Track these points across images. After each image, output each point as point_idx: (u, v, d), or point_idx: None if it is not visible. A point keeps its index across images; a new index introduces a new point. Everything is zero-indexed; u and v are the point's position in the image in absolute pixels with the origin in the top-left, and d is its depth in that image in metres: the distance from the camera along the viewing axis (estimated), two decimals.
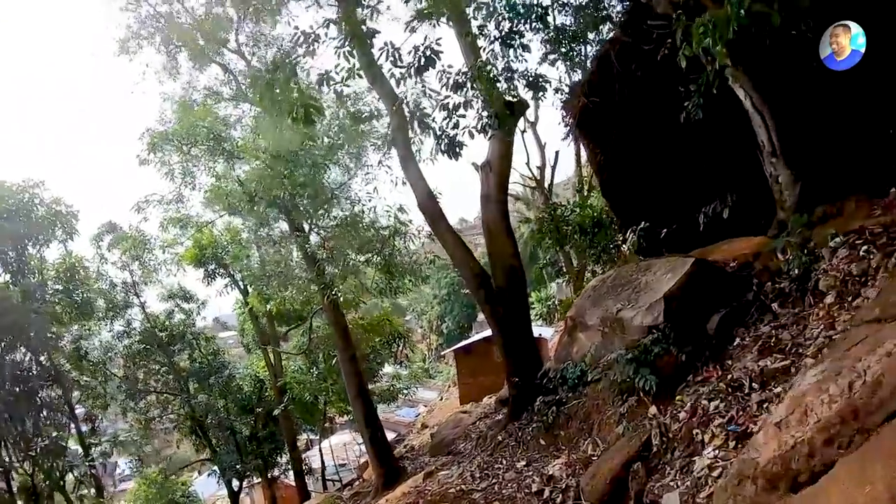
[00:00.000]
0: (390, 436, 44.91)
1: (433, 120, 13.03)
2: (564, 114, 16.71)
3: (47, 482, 22.65)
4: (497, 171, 15.20)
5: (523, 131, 28.98)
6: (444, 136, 12.85)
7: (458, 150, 13.03)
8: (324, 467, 33.90)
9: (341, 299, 20.04)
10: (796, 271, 9.51)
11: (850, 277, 8.53)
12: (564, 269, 21.68)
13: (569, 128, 17.76)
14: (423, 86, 12.65)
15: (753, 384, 8.12)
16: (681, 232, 12.47)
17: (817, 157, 10.74)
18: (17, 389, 21.65)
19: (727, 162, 12.19)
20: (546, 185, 29.56)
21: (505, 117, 13.35)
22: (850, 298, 8.34)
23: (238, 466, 30.10)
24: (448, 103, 12.39)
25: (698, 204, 12.31)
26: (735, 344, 9.47)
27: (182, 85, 21.72)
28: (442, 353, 52.61)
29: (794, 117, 10.87)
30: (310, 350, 26.66)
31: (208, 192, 20.46)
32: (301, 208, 19.70)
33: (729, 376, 8.64)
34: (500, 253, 15.31)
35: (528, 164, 30.19)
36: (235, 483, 32.00)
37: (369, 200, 20.66)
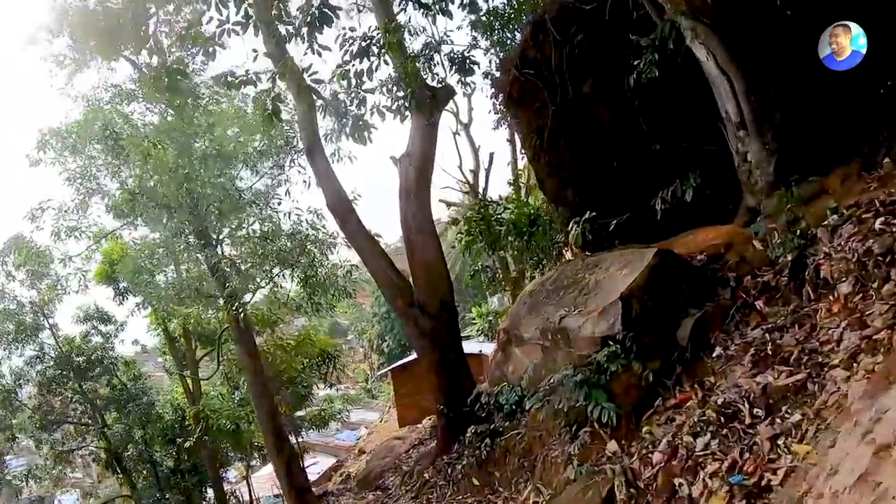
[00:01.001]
0: (329, 462, 42.51)
1: (336, 97, 10.58)
2: (494, 94, 14.39)
3: None
4: (418, 162, 12.68)
5: (456, 133, 26.84)
6: (348, 115, 10.41)
7: (366, 132, 10.62)
8: (252, 500, 31.00)
9: (246, 316, 17.43)
10: (788, 257, 7.16)
11: (871, 258, 6.14)
12: (500, 277, 18.92)
13: (500, 114, 15.49)
14: (318, 51, 10.21)
15: (755, 409, 5.63)
16: (634, 222, 9.98)
17: (793, 127, 8.42)
18: None
19: (686, 138, 9.77)
20: (481, 189, 27.29)
21: (423, 100, 10.96)
22: (875, 284, 5.97)
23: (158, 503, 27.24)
24: (349, 70, 9.93)
25: (654, 189, 9.85)
26: (716, 355, 7.02)
27: (92, 83, 19.12)
28: (379, 373, 49.92)
29: (765, 79, 8.55)
30: (229, 375, 23.86)
31: (109, 197, 18.30)
32: (207, 215, 17.18)
33: (715, 399, 6.16)
34: (423, 258, 12.71)
35: (460, 167, 27.78)
36: None
37: (279, 204, 18.31)
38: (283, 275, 18.45)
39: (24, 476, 25.31)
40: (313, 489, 30.56)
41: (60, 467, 28.05)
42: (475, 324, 32.71)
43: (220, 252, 17.72)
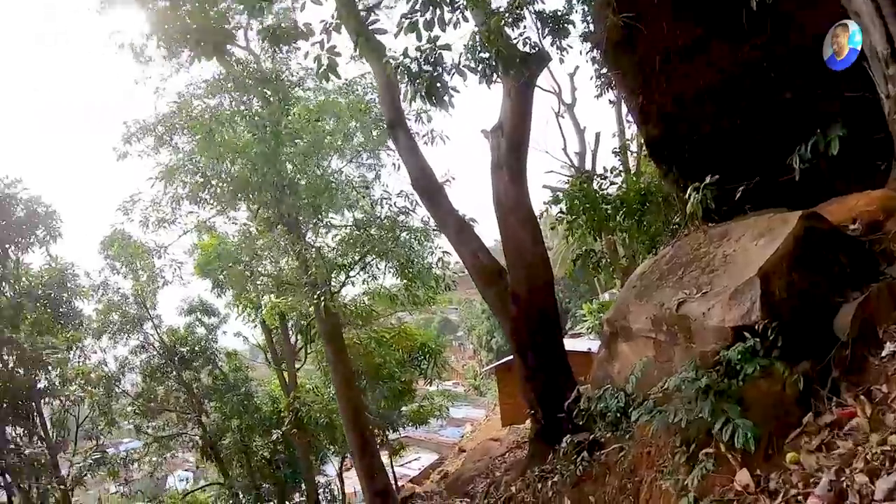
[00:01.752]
0: (431, 458, 41.48)
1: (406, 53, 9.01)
2: (591, 48, 12.50)
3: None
4: (510, 133, 11.10)
5: (559, 115, 24.82)
6: (422, 75, 8.81)
7: (444, 94, 9.02)
8: (344, 496, 30.11)
9: (331, 307, 16.18)
10: None
11: None
12: (609, 262, 16.64)
13: (601, 78, 13.58)
14: None
15: None
16: (765, 187, 7.81)
17: None
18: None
19: (822, 83, 7.64)
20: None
21: (510, 60, 9.23)
22: None
23: (250, 492, 27.00)
24: (416, 19, 8.36)
25: (787, 146, 7.75)
26: (887, 353, 5.01)
27: (184, 81, 18.67)
28: (485, 370, 48.32)
29: None
30: (325, 368, 22.82)
31: (190, 186, 17.22)
32: (295, 203, 16.28)
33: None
34: (517, 241, 11.01)
35: (565, 150, 25.69)
36: None
37: (366, 189, 17.08)
38: (378, 266, 17.14)
39: (122, 460, 24.97)
40: (408, 485, 29.54)
41: (161, 452, 28.20)
42: (585, 321, 30.58)
43: (309, 241, 16.66)
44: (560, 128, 25.04)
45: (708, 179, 7.90)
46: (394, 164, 17.44)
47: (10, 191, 18.31)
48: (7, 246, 18.51)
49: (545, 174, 26.24)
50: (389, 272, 17.68)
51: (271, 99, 16.70)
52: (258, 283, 18.80)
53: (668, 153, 9.10)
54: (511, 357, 25.64)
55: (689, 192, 8.03)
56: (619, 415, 7.51)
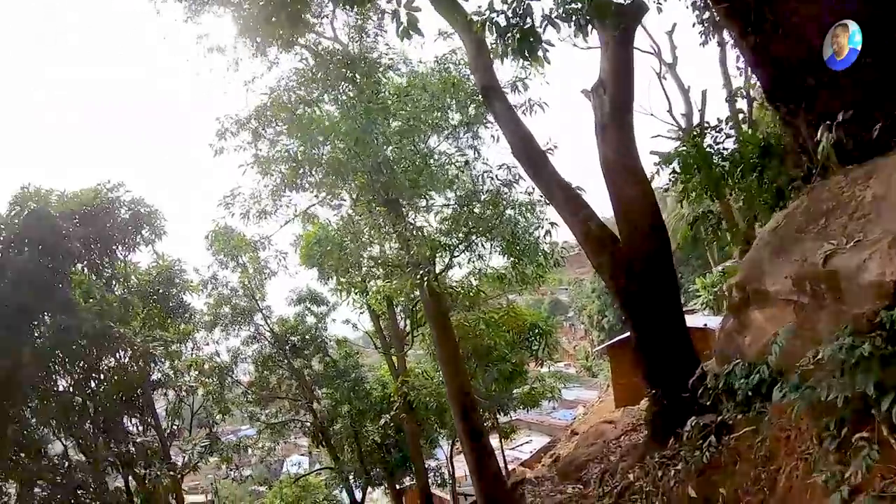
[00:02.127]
0: (542, 441, 40.64)
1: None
2: None
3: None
4: (612, 90, 10.13)
5: (661, 76, 23.40)
6: (511, 29, 7.99)
7: (536, 47, 8.20)
8: (454, 480, 29.55)
9: (435, 287, 15.59)
10: None
11: None
12: (726, 227, 15.02)
13: (703, 24, 12.40)
14: None
15: None
16: None
17: None
18: (116, 396, 19.08)
19: None
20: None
21: (604, 7, 8.29)
22: None
23: (360, 476, 27.37)
24: None
25: None
26: None
27: (271, 74, 18.99)
28: (597, 350, 47.02)
29: None
30: (434, 352, 22.27)
31: (289, 173, 16.87)
32: (394, 183, 15.69)
33: None
34: (627, 204, 10.02)
35: (670, 112, 24.16)
36: (359, 494, 29.03)
37: (465, 164, 16.68)
38: (483, 245, 16.42)
39: (234, 446, 25.31)
40: (518, 469, 28.85)
41: (274, 438, 29.08)
42: (699, 296, 29.03)
43: (410, 221, 16.10)
44: (663, 89, 23.66)
45: (840, 117, 6.68)
46: (493, 136, 16.62)
47: (113, 194, 18.68)
48: (115, 247, 18.82)
49: (651, 139, 24.99)
50: (496, 251, 16.88)
51: (359, 80, 16.15)
52: (362, 267, 18.34)
53: (789, 94, 7.82)
54: (625, 335, 24.55)
55: (820, 132, 6.81)
56: (750, 393, 6.47)
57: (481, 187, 15.96)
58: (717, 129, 10.53)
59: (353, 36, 17.68)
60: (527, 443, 40.34)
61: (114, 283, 19.63)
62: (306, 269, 24.54)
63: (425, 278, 14.71)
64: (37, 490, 17.76)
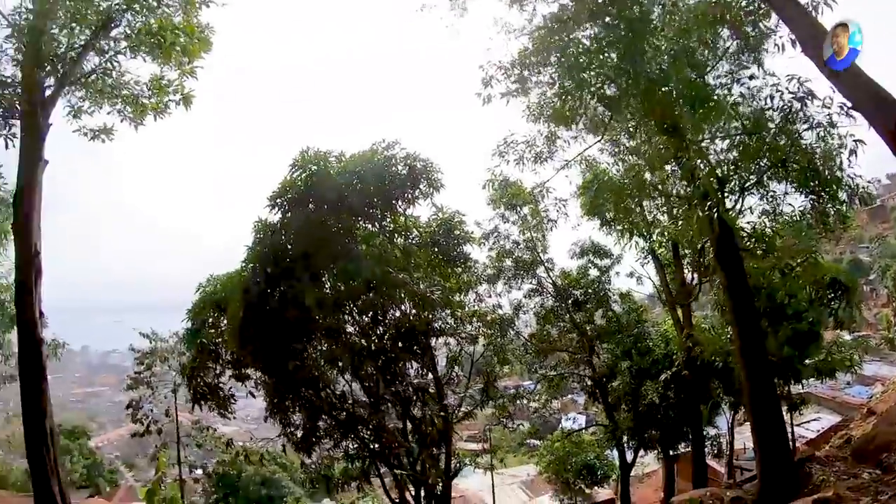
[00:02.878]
0: (832, 420, 36.70)
1: None
2: None
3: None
4: None
5: None
6: None
7: None
8: (732, 450, 28.45)
9: (731, 222, 13.89)
10: None
11: None
12: None
13: None
14: None
15: None
16: None
17: None
18: (400, 345, 19.59)
19: None
20: None
21: None
22: None
23: (634, 437, 26.75)
24: None
25: None
26: None
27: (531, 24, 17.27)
28: None
29: None
30: (722, 305, 20.37)
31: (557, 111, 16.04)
32: (671, 109, 14.01)
33: None
34: None
35: None
36: (630, 455, 28.36)
37: (750, 79, 14.38)
38: (776, 180, 14.42)
39: (511, 397, 25.25)
40: (802, 447, 26.16)
41: (551, 393, 29.40)
42: None
43: (694, 153, 14.39)
44: None
45: None
46: (776, 45, 13.98)
47: (389, 152, 18.88)
48: (394, 202, 19.18)
49: None
50: (791, 188, 14.70)
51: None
52: (644, 207, 17.09)
53: None
54: None
55: None
56: None
57: (768, 107, 13.65)
58: None
59: None
60: (815, 420, 36.95)
61: (395, 236, 20.01)
62: (587, 219, 24.51)
63: (714, 210, 13.13)
64: (320, 423, 19.22)
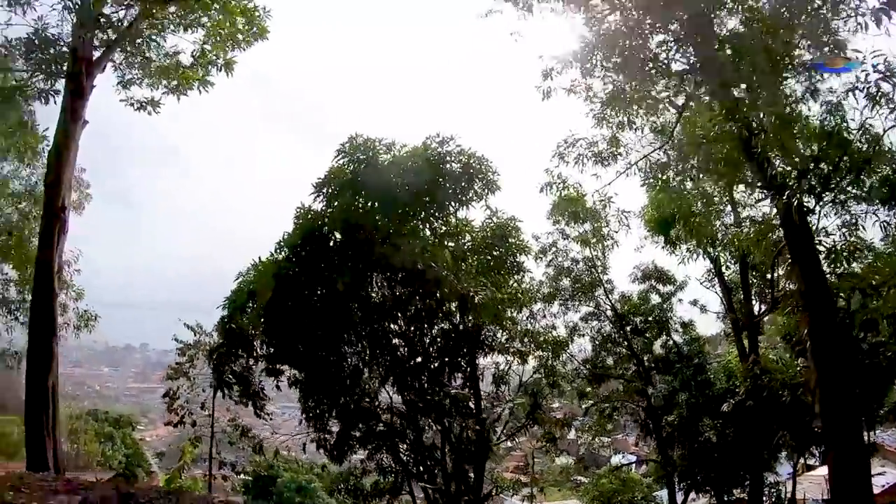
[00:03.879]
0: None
1: None
2: None
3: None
4: None
5: None
6: None
7: None
8: (794, 500, 25.81)
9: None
10: None
11: None
12: None
13: None
14: None
15: None
16: None
17: None
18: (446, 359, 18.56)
19: None
20: None
21: None
22: None
23: (686, 477, 24.49)
24: None
25: None
26: None
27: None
28: None
29: None
30: (793, 335, 18.37)
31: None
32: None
33: None
34: None
35: None
36: (680, 496, 25.84)
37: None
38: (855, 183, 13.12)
39: (558, 420, 23.34)
40: None
41: (601, 423, 27.88)
42: None
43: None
44: None
45: None
46: (858, 24, 11.62)
47: (444, 148, 17.33)
48: (446, 202, 17.72)
49: None
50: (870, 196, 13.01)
51: None
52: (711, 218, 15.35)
53: None
54: None
55: None
56: None
57: (850, 87, 11.67)
58: None
59: None
60: (880, 474, 33.93)
61: (446, 239, 18.28)
62: (651, 236, 23.55)
63: (794, 198, 11.37)
64: (355, 431, 18.04)
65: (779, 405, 18.98)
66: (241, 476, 34.39)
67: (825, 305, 12.28)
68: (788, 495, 26.85)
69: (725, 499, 25.03)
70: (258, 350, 17.82)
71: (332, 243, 16.26)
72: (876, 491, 30.67)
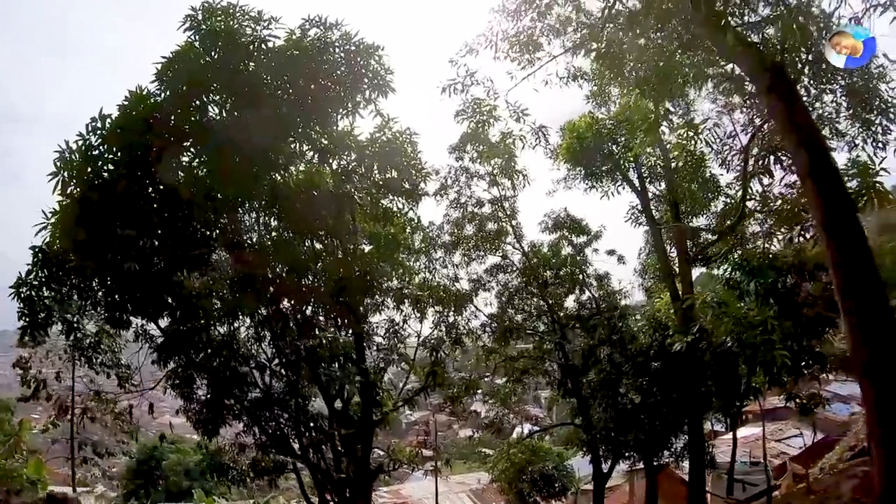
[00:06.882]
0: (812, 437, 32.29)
1: None
2: None
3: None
4: None
5: None
6: None
7: None
8: (733, 464, 24.44)
9: None
10: None
11: None
12: None
13: None
14: None
15: None
16: None
17: None
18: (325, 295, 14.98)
19: None
20: None
21: None
22: None
23: (609, 442, 21.30)
24: None
25: None
26: None
27: None
28: None
29: None
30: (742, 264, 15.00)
31: None
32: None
33: None
34: None
35: None
36: (605, 464, 22.84)
37: None
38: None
39: (463, 379, 21.69)
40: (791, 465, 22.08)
41: (511, 386, 24.75)
42: None
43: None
44: None
45: None
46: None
47: (328, 36, 12.76)
48: (329, 109, 13.45)
49: None
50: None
51: None
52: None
53: None
54: None
55: None
56: None
57: None
58: None
59: None
60: (795, 436, 32.33)
61: (328, 156, 14.05)
62: (569, 175, 21.13)
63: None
64: (227, 400, 15.01)
65: (715, 356, 15.69)
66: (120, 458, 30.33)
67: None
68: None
69: (655, 462, 22.11)
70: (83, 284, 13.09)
71: (174, 140, 11.86)
72: (793, 452, 28.98)
